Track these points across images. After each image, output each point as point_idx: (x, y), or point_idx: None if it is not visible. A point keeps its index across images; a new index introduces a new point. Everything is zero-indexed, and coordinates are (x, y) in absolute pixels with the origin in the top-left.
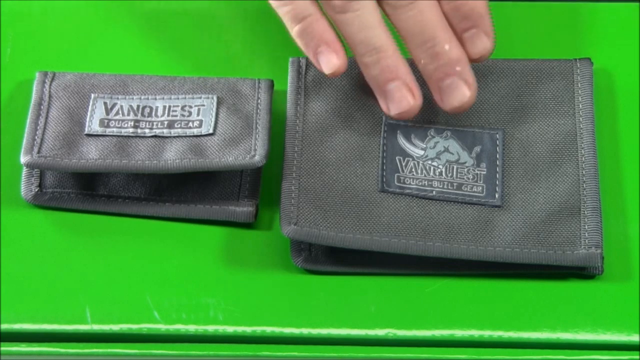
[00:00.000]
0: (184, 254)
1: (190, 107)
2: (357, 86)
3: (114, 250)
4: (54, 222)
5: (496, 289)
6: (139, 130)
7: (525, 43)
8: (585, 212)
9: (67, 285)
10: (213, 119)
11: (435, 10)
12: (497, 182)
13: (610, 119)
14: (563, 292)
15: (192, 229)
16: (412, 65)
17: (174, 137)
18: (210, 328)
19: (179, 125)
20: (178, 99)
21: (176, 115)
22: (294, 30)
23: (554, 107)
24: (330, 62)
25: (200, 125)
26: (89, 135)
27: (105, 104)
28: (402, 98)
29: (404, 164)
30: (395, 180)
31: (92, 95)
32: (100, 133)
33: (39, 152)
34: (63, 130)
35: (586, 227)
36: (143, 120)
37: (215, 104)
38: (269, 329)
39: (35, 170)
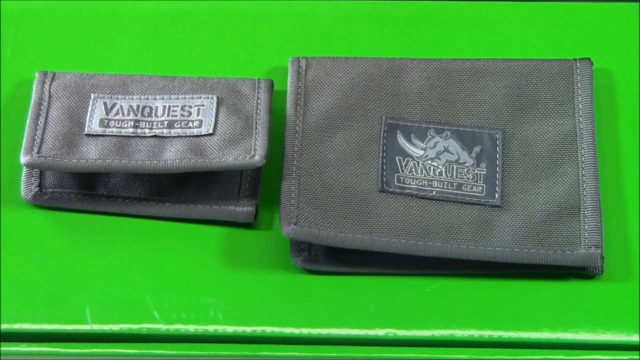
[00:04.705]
0: (184, 254)
1: (190, 107)
2: (357, 86)
3: (114, 250)
4: (54, 222)
5: (496, 289)
6: (139, 130)
7: (525, 43)
8: (585, 212)
9: (67, 285)
10: (213, 119)
11: None
12: (497, 182)
13: (610, 119)
14: (563, 292)
15: (192, 229)
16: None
17: (174, 137)
18: (210, 328)
19: (179, 125)
20: (178, 99)
21: (176, 115)
22: None
23: (554, 107)
24: None
25: (200, 125)
26: (88, 135)
27: (105, 104)
28: None
29: (403, 164)
30: (395, 180)
31: (92, 95)
32: (100, 133)
33: (38, 152)
34: (63, 130)
35: (586, 227)
36: (143, 120)
37: (215, 104)
38: (268, 329)
39: (35, 170)
